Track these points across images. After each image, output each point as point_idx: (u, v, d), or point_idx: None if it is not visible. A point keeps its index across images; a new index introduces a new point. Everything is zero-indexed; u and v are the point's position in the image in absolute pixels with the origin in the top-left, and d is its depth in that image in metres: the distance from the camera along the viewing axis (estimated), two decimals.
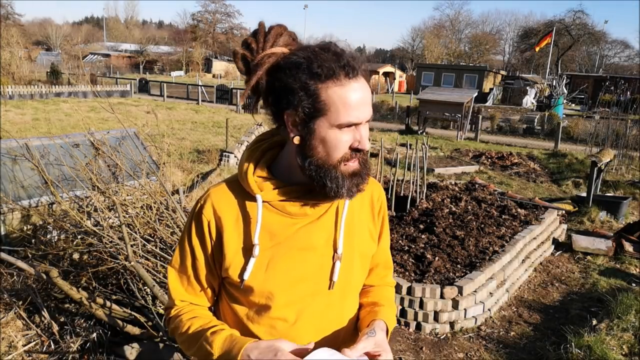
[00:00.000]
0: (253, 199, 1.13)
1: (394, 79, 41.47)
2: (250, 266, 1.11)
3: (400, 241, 4.76)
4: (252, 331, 1.16)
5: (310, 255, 1.14)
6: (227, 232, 1.12)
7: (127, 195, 3.55)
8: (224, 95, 24.79)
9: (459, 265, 4.29)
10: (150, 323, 2.89)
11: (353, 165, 1.08)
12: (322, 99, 1.01)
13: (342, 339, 1.20)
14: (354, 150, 1.06)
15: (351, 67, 1.01)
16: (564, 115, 20.80)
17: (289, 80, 1.02)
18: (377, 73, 40.05)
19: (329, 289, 1.16)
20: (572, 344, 3.46)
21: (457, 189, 6.69)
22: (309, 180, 1.09)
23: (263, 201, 1.12)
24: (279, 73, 1.04)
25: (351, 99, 1.01)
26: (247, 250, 1.12)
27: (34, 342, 2.99)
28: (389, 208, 5.71)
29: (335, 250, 1.16)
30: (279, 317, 1.14)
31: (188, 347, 1.16)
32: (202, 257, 1.16)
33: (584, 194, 7.34)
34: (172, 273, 1.20)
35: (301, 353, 1.02)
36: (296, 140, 1.06)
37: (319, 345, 1.11)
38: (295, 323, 1.15)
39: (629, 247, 5.51)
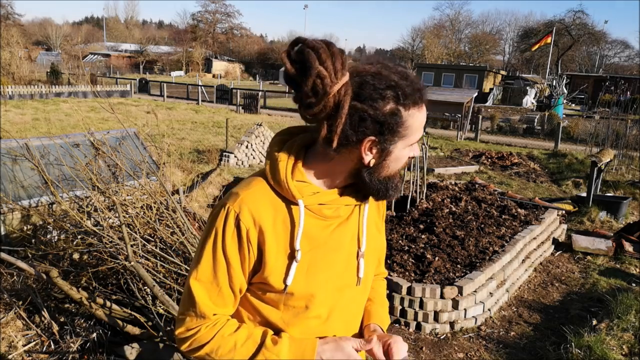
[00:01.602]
0: (291, 203, 1.12)
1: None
2: (293, 271, 1.11)
3: (400, 241, 4.76)
4: (284, 332, 1.17)
5: (340, 254, 1.19)
6: (269, 240, 1.10)
7: (127, 195, 3.55)
8: (224, 95, 24.79)
9: (459, 265, 4.29)
10: (150, 323, 2.89)
11: (399, 174, 1.17)
12: (407, 125, 1.06)
13: (357, 329, 1.29)
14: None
15: (422, 89, 1.07)
16: (564, 115, 20.81)
17: (376, 112, 1.03)
18: None
19: (357, 285, 1.23)
20: (572, 344, 3.46)
21: (457, 189, 6.69)
22: (371, 191, 1.14)
23: (304, 206, 1.12)
24: (360, 103, 1.03)
25: (421, 122, 1.09)
26: (289, 255, 1.12)
27: (34, 342, 2.99)
28: (389, 208, 5.71)
29: (359, 248, 1.22)
30: (314, 316, 1.18)
31: (242, 357, 1.11)
32: (238, 265, 1.12)
33: (584, 194, 7.34)
34: (198, 286, 1.12)
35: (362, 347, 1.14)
36: (371, 162, 1.09)
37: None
38: (327, 319, 1.20)
39: (629, 247, 5.51)
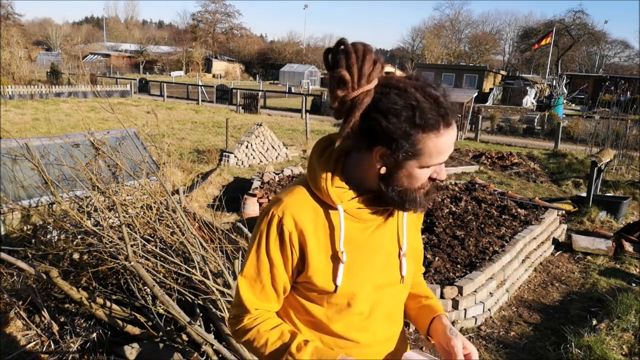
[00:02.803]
0: (331, 207, 1.19)
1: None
2: (341, 272, 1.18)
3: None
4: (332, 329, 1.24)
5: (379, 254, 1.24)
6: (310, 242, 1.17)
7: (127, 195, 3.55)
8: (224, 95, 24.79)
9: (459, 265, 4.29)
10: (150, 323, 2.89)
11: (427, 187, 1.16)
12: (420, 147, 1.06)
13: (401, 324, 1.36)
14: (432, 179, 1.15)
15: (448, 116, 1.05)
16: (564, 115, 20.81)
17: (388, 125, 1.04)
18: None
19: (401, 283, 1.29)
20: (572, 344, 3.46)
21: (457, 189, 6.69)
22: (388, 199, 1.16)
23: (343, 210, 1.18)
24: (376, 114, 1.04)
25: (444, 146, 1.07)
26: (332, 257, 1.19)
27: (34, 342, 2.99)
28: None
29: (400, 248, 1.28)
30: (357, 313, 1.24)
31: (269, 357, 1.20)
32: (281, 265, 1.20)
33: (584, 194, 7.33)
34: (244, 283, 1.22)
35: None
36: (382, 170, 1.12)
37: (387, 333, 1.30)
38: (370, 315, 1.25)
39: (629, 247, 5.51)
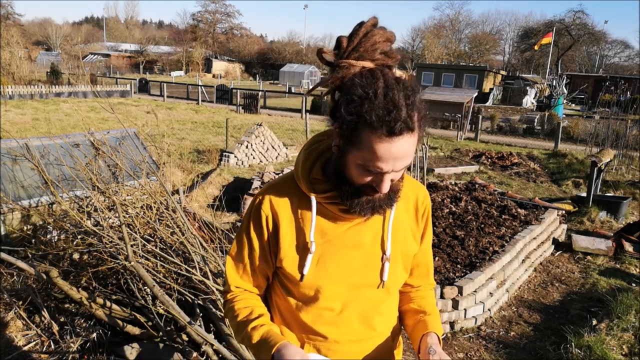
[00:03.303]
0: (308, 198, 1.21)
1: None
2: (309, 262, 1.20)
3: None
4: (301, 319, 1.26)
5: (358, 253, 1.23)
6: (283, 227, 1.21)
7: (127, 195, 3.55)
8: (224, 95, 24.78)
9: (459, 265, 4.28)
10: (150, 323, 2.89)
11: (368, 192, 1.13)
12: (359, 140, 1.04)
13: (380, 331, 1.31)
14: (373, 188, 1.12)
15: (396, 125, 0.99)
16: (564, 115, 20.81)
17: (342, 104, 1.05)
18: None
19: (379, 287, 1.26)
20: (572, 344, 3.46)
21: (457, 189, 6.69)
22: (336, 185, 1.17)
23: (317, 202, 1.20)
24: (344, 89, 1.06)
25: (381, 153, 1.03)
26: (301, 246, 1.21)
27: (34, 342, 2.99)
28: None
29: (384, 252, 1.25)
30: (325, 308, 1.24)
31: (236, 334, 1.28)
32: (258, 248, 1.25)
33: (584, 194, 7.33)
34: (229, 261, 1.30)
35: None
36: (334, 149, 1.14)
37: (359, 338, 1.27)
38: (341, 313, 1.25)
39: (629, 247, 5.51)
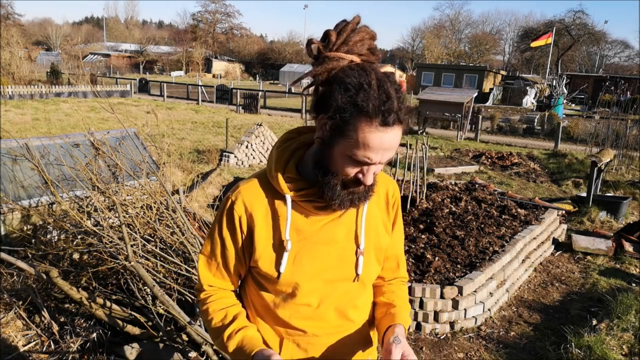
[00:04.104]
0: (282, 197, 1.21)
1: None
2: (285, 260, 1.20)
3: None
4: (278, 315, 1.26)
5: (332, 249, 1.24)
6: (258, 227, 1.21)
7: (127, 195, 3.55)
8: (224, 95, 24.78)
9: (459, 265, 4.29)
10: (150, 323, 2.89)
11: (351, 185, 1.14)
12: (350, 129, 1.05)
13: (357, 322, 1.33)
14: (357, 179, 1.13)
15: (390, 116, 1.03)
16: (564, 115, 20.80)
17: (335, 94, 1.05)
18: None
19: (354, 281, 1.27)
20: (572, 344, 3.46)
21: (457, 189, 6.69)
22: (314, 178, 1.17)
23: (292, 200, 1.20)
24: (333, 81, 1.07)
25: (373, 144, 1.05)
26: (277, 244, 1.21)
27: (34, 342, 2.99)
28: None
29: (358, 246, 1.26)
30: (303, 303, 1.25)
31: (212, 338, 1.29)
32: (231, 248, 1.25)
33: (584, 194, 7.33)
34: (202, 260, 1.30)
35: None
36: (317, 142, 1.13)
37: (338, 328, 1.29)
38: (318, 307, 1.26)
39: (629, 247, 5.51)
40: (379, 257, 1.33)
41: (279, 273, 1.20)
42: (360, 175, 1.11)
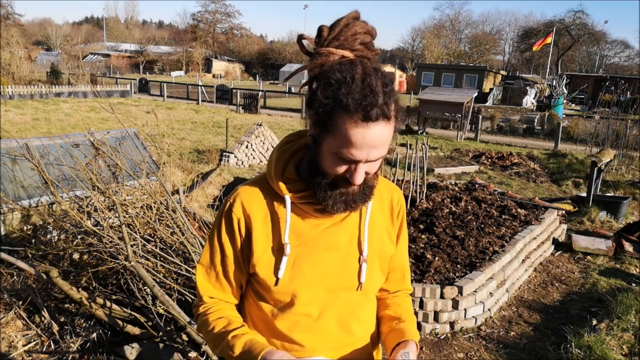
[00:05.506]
0: (282, 199, 1.17)
1: (394, 79, 41.55)
2: (284, 265, 1.15)
3: None
4: (276, 327, 1.20)
5: (334, 255, 1.19)
6: (256, 230, 1.16)
7: (127, 195, 3.55)
8: (224, 95, 24.77)
9: (459, 265, 4.29)
10: (150, 323, 2.89)
11: (341, 185, 1.10)
12: (334, 125, 1.02)
13: (359, 337, 1.25)
14: (347, 180, 1.08)
15: (373, 111, 0.99)
16: (564, 115, 20.80)
17: (318, 90, 1.04)
18: None
19: (357, 290, 1.21)
20: (572, 344, 3.46)
21: (457, 189, 6.69)
22: (309, 179, 1.13)
23: (291, 202, 1.16)
24: (321, 75, 1.05)
25: (355, 139, 1.01)
26: (276, 248, 1.17)
27: (34, 342, 2.99)
28: None
29: (360, 253, 1.20)
30: (302, 313, 1.18)
31: (213, 347, 1.20)
32: (231, 253, 1.20)
33: (584, 194, 7.33)
34: (200, 270, 1.23)
35: None
36: (309, 139, 1.12)
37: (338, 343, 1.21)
38: (318, 318, 1.19)
39: (629, 247, 5.51)
40: (383, 266, 1.27)
41: (277, 279, 1.14)
42: (348, 175, 1.07)
